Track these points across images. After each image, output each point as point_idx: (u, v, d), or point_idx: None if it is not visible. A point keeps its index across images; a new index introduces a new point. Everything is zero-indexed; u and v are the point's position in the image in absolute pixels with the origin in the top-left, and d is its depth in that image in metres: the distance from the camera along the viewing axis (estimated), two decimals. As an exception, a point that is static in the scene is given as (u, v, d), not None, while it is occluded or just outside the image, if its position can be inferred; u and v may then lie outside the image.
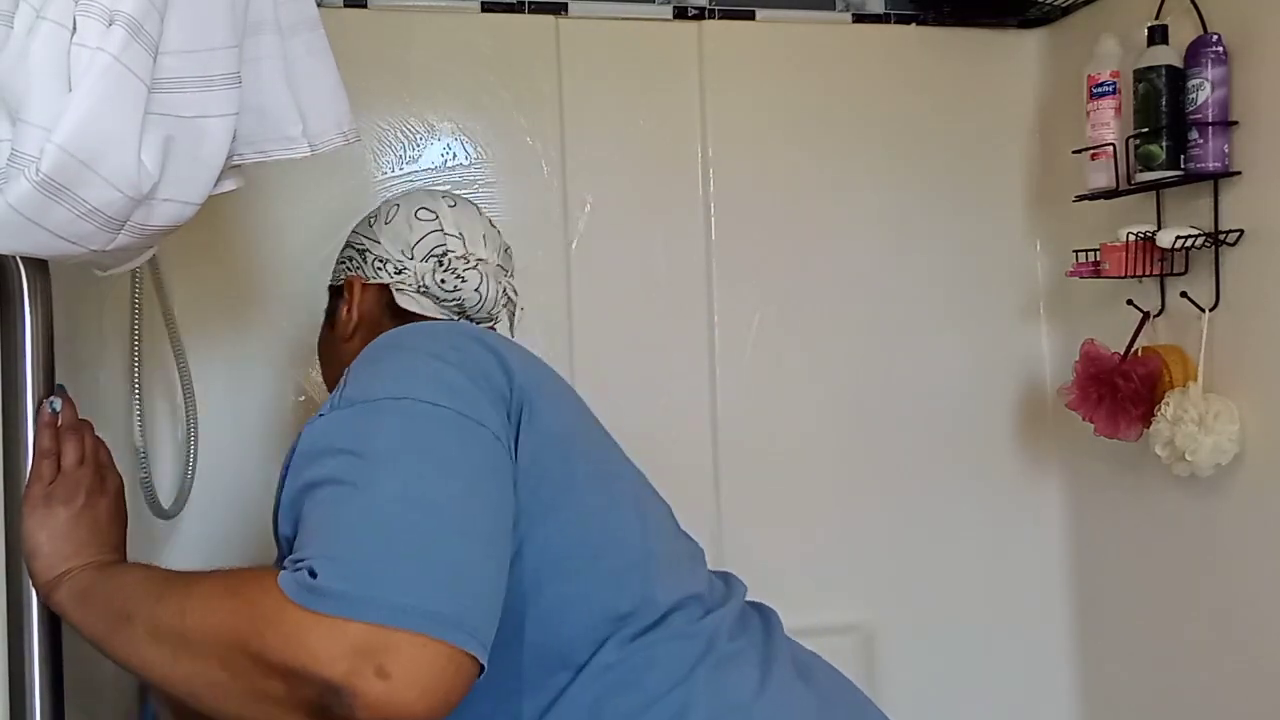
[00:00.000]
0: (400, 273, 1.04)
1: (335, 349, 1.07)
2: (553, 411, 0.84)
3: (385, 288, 1.04)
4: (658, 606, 0.83)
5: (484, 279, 1.04)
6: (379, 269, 1.05)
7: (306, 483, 0.73)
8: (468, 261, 1.04)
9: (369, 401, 0.76)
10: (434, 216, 1.06)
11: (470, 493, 0.72)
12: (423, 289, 1.03)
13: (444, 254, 1.04)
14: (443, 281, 1.02)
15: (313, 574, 0.64)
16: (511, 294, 1.11)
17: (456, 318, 1.05)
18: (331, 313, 1.10)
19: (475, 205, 1.13)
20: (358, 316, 1.04)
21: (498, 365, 0.81)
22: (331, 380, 1.08)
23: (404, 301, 1.04)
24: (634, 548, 0.86)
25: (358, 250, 1.08)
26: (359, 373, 0.81)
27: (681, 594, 0.86)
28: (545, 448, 0.81)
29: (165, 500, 1.36)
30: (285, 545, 0.76)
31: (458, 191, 1.66)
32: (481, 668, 0.66)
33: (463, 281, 1.03)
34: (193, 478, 1.47)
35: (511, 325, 1.13)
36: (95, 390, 1.30)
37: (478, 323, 1.07)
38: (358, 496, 0.69)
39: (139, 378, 1.29)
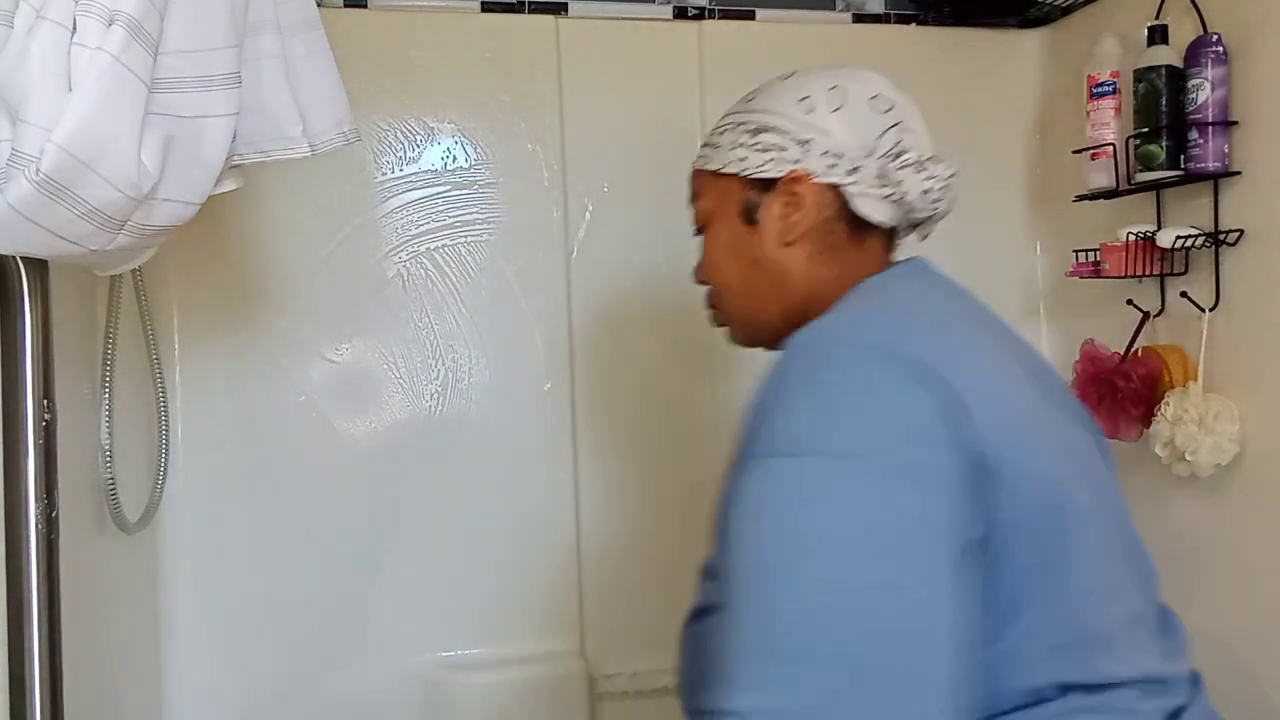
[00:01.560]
0: (854, 171, 0.88)
1: (761, 253, 0.91)
2: (1030, 451, 0.73)
3: (835, 190, 0.89)
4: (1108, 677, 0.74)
5: (945, 186, 0.90)
6: (831, 166, 0.88)
7: (730, 557, 0.70)
8: (923, 170, 0.89)
9: (803, 456, 0.70)
10: (891, 107, 0.90)
11: (931, 579, 0.66)
12: (894, 197, 0.89)
13: (901, 154, 0.89)
14: (926, 192, 0.88)
15: None
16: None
17: (916, 221, 0.93)
18: (749, 209, 0.91)
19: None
20: (810, 222, 0.89)
21: (953, 407, 0.70)
22: (744, 298, 0.93)
23: (865, 207, 0.89)
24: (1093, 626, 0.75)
25: (796, 141, 0.89)
26: (793, 404, 0.73)
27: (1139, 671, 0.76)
28: (1024, 517, 0.71)
29: (131, 512, 1.33)
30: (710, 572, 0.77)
31: (458, 193, 1.67)
32: None
33: (946, 192, 0.90)
34: (162, 489, 1.45)
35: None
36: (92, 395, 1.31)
37: (925, 226, 0.94)
38: (818, 602, 0.65)
39: (110, 376, 1.27)
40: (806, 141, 0.89)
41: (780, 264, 0.90)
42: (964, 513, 0.69)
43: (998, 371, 0.78)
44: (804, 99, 0.90)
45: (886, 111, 0.90)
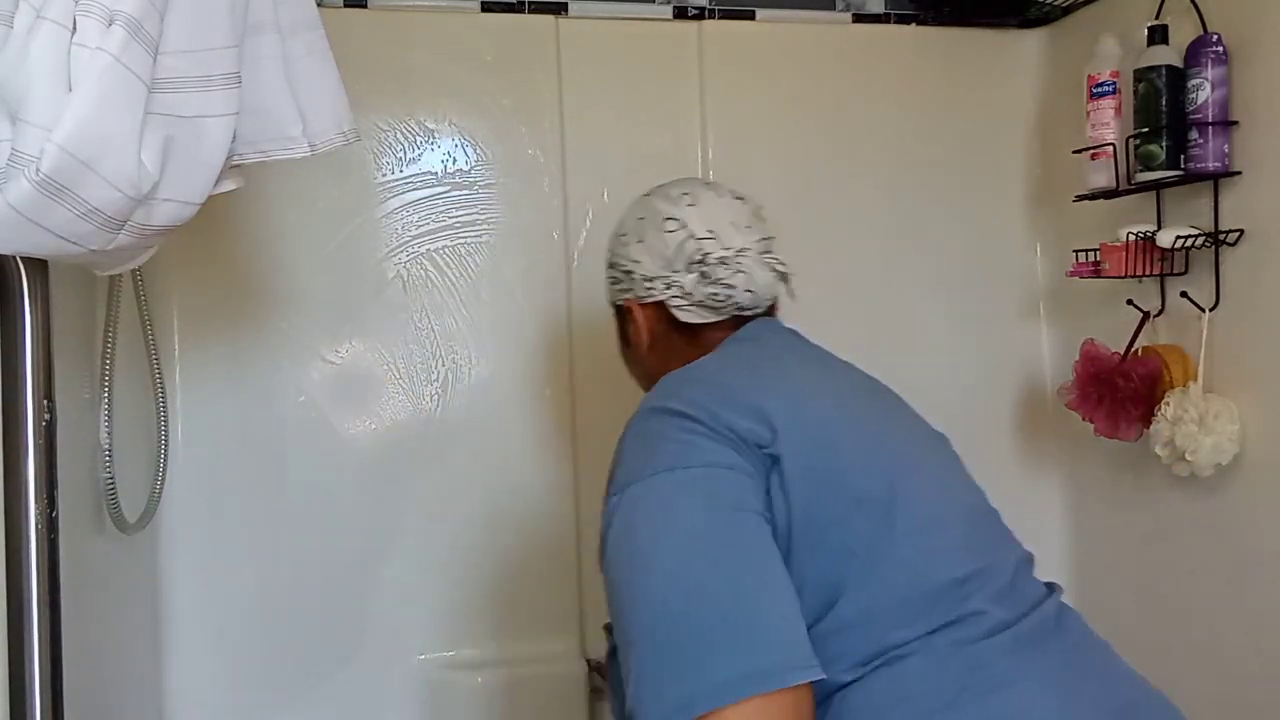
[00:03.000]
0: (671, 287, 1.04)
1: (639, 364, 1.12)
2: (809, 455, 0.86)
3: (663, 304, 1.05)
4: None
5: (750, 273, 1.03)
6: (649, 288, 1.05)
7: (606, 576, 0.83)
8: (728, 264, 1.02)
9: (629, 486, 0.84)
10: (680, 224, 1.04)
11: (734, 545, 0.78)
12: (698, 302, 1.03)
13: (704, 258, 1.02)
14: (714, 295, 1.02)
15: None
16: (779, 267, 1.07)
17: (738, 314, 1.06)
18: (622, 330, 1.14)
19: (714, 188, 1.09)
20: (648, 337, 1.07)
21: (750, 417, 0.85)
22: (644, 388, 1.12)
23: (684, 317, 1.04)
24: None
25: (624, 272, 1.08)
26: (623, 457, 0.90)
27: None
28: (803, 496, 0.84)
29: (131, 513, 1.32)
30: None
31: (459, 192, 1.68)
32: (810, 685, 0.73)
33: (731, 288, 1.02)
34: (161, 490, 1.45)
35: (789, 290, 1.11)
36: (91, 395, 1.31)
37: (755, 313, 1.07)
38: (639, 596, 0.78)
39: (109, 376, 1.27)
40: (629, 272, 1.07)
41: (649, 372, 1.08)
42: (760, 493, 0.82)
43: (798, 389, 0.92)
44: (622, 234, 1.09)
45: (677, 230, 1.03)
